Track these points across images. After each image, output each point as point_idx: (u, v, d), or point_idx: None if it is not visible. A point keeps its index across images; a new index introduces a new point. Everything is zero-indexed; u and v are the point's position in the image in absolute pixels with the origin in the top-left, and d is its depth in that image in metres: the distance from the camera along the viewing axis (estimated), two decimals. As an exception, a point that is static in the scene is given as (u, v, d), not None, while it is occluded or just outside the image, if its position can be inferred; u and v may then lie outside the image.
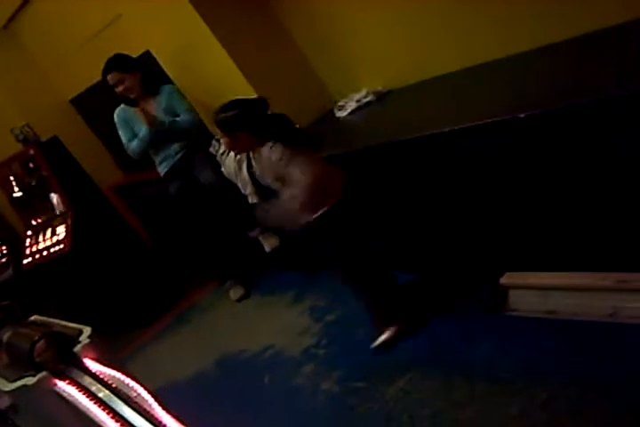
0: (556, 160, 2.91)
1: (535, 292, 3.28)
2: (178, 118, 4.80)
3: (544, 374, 2.84)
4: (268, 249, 4.56)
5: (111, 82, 4.79)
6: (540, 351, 2.97)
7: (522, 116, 2.86)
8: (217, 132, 3.86)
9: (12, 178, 5.92)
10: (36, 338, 3.32)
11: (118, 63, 4.80)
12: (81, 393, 2.95)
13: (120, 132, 4.95)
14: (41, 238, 5.80)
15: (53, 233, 5.72)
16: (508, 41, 3.68)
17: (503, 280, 3.37)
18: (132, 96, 4.83)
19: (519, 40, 3.62)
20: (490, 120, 3.04)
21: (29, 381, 3.22)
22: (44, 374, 3.21)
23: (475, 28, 3.83)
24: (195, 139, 4.94)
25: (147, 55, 5.27)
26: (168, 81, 5.05)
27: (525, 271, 3.35)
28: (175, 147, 4.86)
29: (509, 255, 3.48)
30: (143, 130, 4.81)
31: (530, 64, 3.48)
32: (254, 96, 4.66)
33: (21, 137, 5.77)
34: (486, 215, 3.42)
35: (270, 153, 3.56)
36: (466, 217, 3.54)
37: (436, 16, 3.97)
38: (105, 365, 3.11)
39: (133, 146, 4.91)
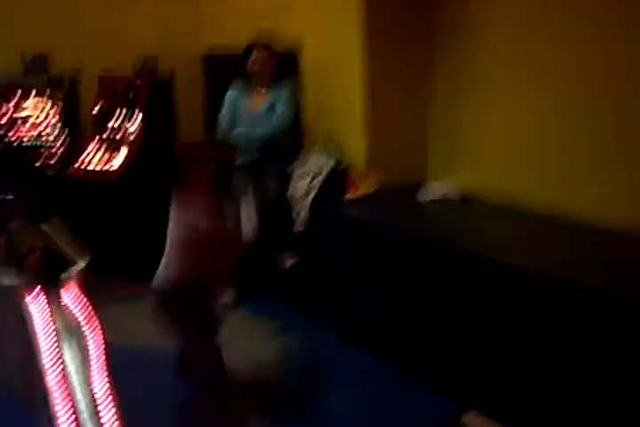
0: None
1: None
2: (258, 130, 4.86)
3: None
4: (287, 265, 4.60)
5: (255, 55, 4.87)
6: None
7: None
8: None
9: (108, 94, 6.02)
10: (37, 248, 3.37)
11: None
12: (41, 313, 2.97)
13: (224, 105, 5.03)
14: (97, 159, 5.89)
15: (109, 160, 5.80)
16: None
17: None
18: (261, 76, 4.90)
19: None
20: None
21: (8, 281, 3.27)
22: (23, 280, 3.25)
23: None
24: (280, 148, 5.01)
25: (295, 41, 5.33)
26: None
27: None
28: (257, 144, 4.88)
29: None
30: (237, 130, 4.92)
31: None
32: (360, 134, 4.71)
33: (140, 66, 5.88)
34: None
35: None
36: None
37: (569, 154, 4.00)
38: (81, 301, 3.12)
39: (223, 127, 5.01)
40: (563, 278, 3.04)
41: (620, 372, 2.77)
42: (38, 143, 6.01)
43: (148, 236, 5.69)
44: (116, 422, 2.47)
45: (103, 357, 2.84)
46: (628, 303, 2.75)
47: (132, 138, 5.84)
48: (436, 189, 4.55)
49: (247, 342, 3.67)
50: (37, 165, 5.96)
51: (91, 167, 5.82)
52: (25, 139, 6.04)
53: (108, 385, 2.66)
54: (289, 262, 4.62)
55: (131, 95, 5.85)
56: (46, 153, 6.02)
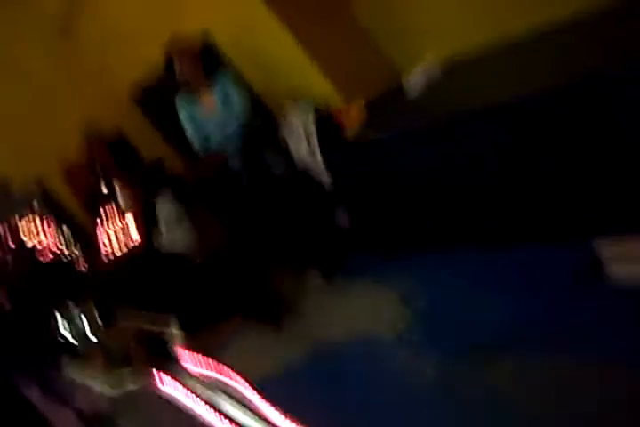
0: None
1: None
2: (229, 125, 4.84)
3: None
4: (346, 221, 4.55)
5: (177, 64, 4.79)
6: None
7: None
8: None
9: (82, 181, 5.95)
10: (130, 339, 3.33)
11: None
12: (181, 392, 2.92)
13: (188, 131, 4.94)
14: (113, 238, 5.83)
15: (124, 232, 5.75)
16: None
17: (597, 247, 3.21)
18: (195, 79, 4.83)
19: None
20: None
21: (131, 384, 3.23)
22: (145, 377, 3.21)
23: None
24: (256, 128, 4.93)
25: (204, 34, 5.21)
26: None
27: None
28: (237, 136, 4.86)
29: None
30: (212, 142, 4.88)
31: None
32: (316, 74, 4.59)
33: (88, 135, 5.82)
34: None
35: None
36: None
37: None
38: (199, 359, 3.08)
39: (198, 146, 4.96)
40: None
41: None
42: (63, 259, 6.02)
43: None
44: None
45: (254, 393, 2.82)
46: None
47: (128, 202, 5.78)
48: (417, 75, 4.45)
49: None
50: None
51: (119, 253, 5.77)
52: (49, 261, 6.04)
53: (278, 413, 2.65)
54: (345, 218, 4.54)
55: (98, 168, 5.76)
56: (74, 264, 6.03)
